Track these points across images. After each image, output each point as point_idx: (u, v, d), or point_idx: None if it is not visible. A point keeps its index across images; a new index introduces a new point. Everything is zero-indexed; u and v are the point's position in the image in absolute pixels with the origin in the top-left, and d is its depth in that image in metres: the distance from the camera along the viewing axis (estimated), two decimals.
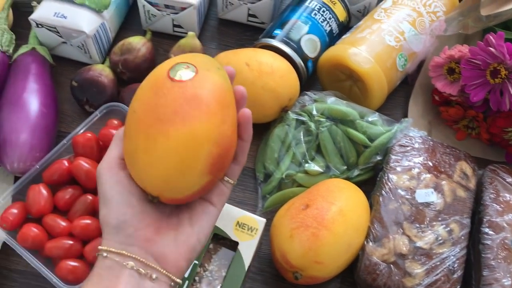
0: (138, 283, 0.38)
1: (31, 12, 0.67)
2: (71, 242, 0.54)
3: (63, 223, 0.55)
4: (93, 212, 0.57)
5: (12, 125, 0.59)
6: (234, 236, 0.53)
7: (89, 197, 0.57)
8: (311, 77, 0.69)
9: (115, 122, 0.62)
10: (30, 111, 0.60)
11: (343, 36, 0.67)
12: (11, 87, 0.62)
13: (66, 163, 0.58)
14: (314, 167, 0.60)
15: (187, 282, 0.51)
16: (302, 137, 0.62)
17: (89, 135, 0.59)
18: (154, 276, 0.39)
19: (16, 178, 0.61)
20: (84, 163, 0.57)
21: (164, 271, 0.39)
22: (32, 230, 0.54)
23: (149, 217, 0.40)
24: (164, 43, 0.73)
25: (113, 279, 0.38)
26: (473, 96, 0.61)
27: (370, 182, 0.61)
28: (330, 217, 0.52)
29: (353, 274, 0.56)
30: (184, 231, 0.41)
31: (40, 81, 0.63)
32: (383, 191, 0.56)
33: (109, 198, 0.40)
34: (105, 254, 0.39)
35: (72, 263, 0.52)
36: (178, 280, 0.40)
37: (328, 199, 0.54)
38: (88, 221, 0.55)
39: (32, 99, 0.61)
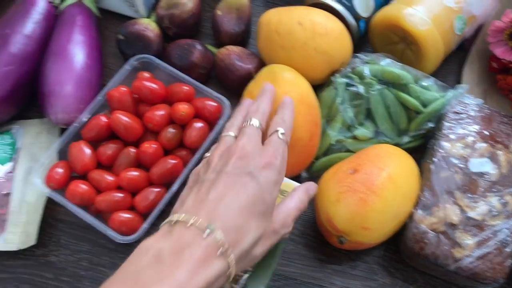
0: None
1: None
2: (121, 194, 0.54)
3: (110, 177, 0.55)
4: (137, 164, 0.57)
5: (57, 76, 0.58)
6: None
7: (132, 149, 0.57)
8: (361, 39, 0.66)
9: (146, 74, 0.61)
10: (75, 62, 0.59)
11: None
12: (57, 38, 0.61)
13: (103, 118, 0.58)
14: (363, 132, 0.58)
15: None
16: (350, 101, 0.59)
17: (124, 89, 0.59)
18: None
19: (62, 130, 0.61)
20: (123, 117, 0.57)
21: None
22: (80, 186, 0.54)
23: None
24: None
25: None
26: None
27: (420, 149, 0.59)
28: (379, 182, 0.51)
29: (398, 242, 0.55)
30: None
31: (85, 33, 0.62)
32: (434, 159, 0.54)
33: None
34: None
35: (125, 215, 0.53)
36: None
37: (377, 164, 0.52)
38: (135, 173, 0.55)
39: (77, 51, 0.60)
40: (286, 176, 0.53)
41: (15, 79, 0.58)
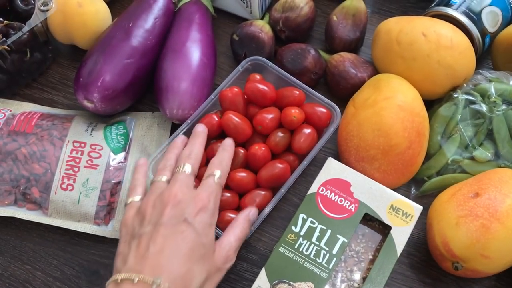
0: None
1: None
2: (229, 194, 0.54)
3: None
4: (246, 165, 0.57)
5: (174, 73, 0.59)
6: (386, 220, 0.51)
7: (241, 150, 0.57)
8: (481, 54, 0.62)
9: (257, 76, 0.60)
10: (192, 60, 0.60)
11: None
12: (175, 34, 0.62)
13: (215, 117, 0.58)
14: (483, 153, 0.55)
15: (334, 259, 0.49)
16: (471, 119, 0.56)
17: (236, 89, 0.58)
18: None
19: (173, 125, 0.62)
20: (234, 117, 0.57)
21: None
22: None
23: None
24: (323, 3, 0.70)
25: None
26: None
27: None
28: (503, 210, 0.48)
29: None
30: None
31: (202, 31, 0.63)
32: None
33: None
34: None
35: (233, 215, 0.52)
36: None
37: (501, 190, 0.49)
38: (243, 174, 0.55)
39: (194, 49, 0.61)
40: (386, 186, 0.52)
41: (134, 72, 0.60)
